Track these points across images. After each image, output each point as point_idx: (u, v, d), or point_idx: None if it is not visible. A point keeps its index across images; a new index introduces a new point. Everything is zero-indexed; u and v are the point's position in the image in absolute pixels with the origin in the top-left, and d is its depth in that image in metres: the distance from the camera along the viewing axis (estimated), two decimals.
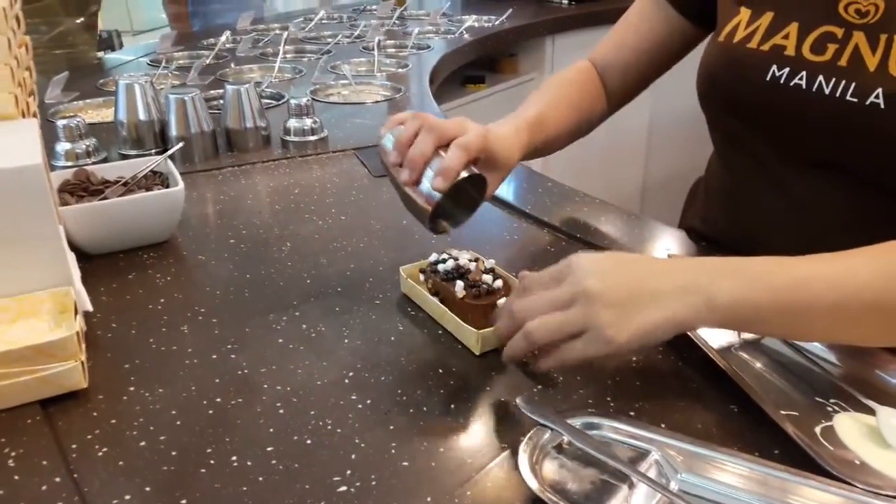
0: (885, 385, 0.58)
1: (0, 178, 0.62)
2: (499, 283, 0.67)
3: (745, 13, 0.80)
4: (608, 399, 0.58)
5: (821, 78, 0.72)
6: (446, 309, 0.68)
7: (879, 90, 0.68)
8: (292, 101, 1.18)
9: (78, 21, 1.92)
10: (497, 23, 2.38)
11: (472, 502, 0.48)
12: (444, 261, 0.71)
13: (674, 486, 0.48)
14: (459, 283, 0.67)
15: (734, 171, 0.86)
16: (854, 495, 0.45)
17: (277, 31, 2.11)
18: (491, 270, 0.70)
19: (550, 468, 0.49)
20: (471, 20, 2.30)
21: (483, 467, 0.52)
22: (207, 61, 1.75)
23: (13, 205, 0.63)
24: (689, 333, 0.62)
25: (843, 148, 0.72)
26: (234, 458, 0.53)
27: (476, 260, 0.72)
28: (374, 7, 2.61)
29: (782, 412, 0.53)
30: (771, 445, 0.52)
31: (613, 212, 0.96)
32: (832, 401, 0.56)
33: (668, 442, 0.50)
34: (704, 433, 0.54)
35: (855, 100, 0.70)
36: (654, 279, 0.55)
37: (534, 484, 0.46)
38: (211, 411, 0.58)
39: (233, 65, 1.75)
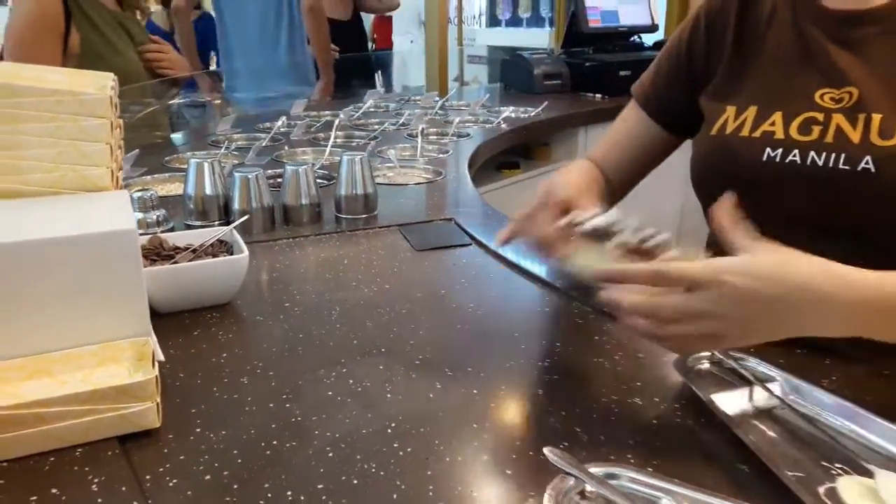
0: (886, 452, 0.62)
1: (99, 240, 0.72)
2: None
3: (731, 110, 0.91)
4: (628, 455, 0.63)
5: (812, 153, 0.82)
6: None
7: (868, 157, 0.77)
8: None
9: (159, 103, 2.11)
10: (533, 114, 2.52)
11: None
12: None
13: None
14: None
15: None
16: None
17: (329, 118, 2.27)
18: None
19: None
20: (508, 111, 2.44)
21: (497, 486, 0.57)
22: (265, 143, 1.90)
23: (108, 263, 0.73)
24: (705, 401, 0.68)
25: (841, 212, 0.80)
26: (288, 492, 0.59)
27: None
28: (418, 98, 2.78)
29: (789, 473, 0.58)
30: (777, 502, 0.57)
31: None
32: (837, 465, 0.61)
33: (680, 492, 0.55)
34: (715, 488, 0.58)
35: (847, 167, 0.79)
36: (789, 325, 0.61)
37: None
38: (268, 452, 0.65)
39: (287, 147, 1.90)
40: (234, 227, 1.03)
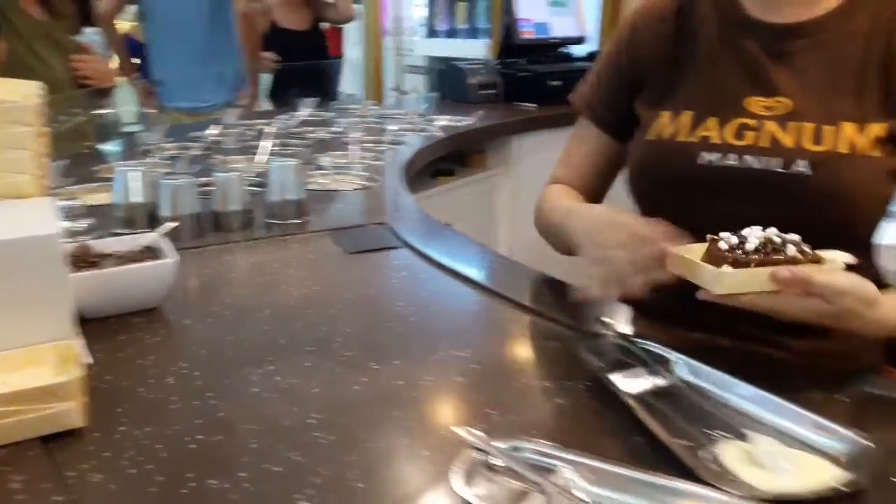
0: (766, 420, 0.69)
1: (23, 245, 0.73)
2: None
3: (666, 115, 0.95)
4: (534, 432, 0.67)
5: (747, 157, 0.87)
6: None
7: (803, 161, 0.84)
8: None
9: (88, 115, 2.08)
10: (468, 123, 2.58)
11: (423, 496, 0.58)
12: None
13: (584, 496, 0.57)
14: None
15: None
16: (724, 498, 0.55)
17: (263, 126, 2.27)
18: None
19: (481, 483, 0.59)
20: (443, 120, 2.50)
21: (427, 484, 0.61)
22: (196, 152, 1.90)
23: (32, 268, 0.74)
24: (606, 382, 0.73)
25: (775, 214, 0.84)
26: (211, 481, 0.61)
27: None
28: (355, 107, 2.81)
29: (676, 441, 0.64)
30: (667, 467, 0.62)
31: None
32: (719, 432, 0.67)
33: (579, 460, 0.59)
34: (613, 458, 0.63)
35: (783, 171, 0.85)
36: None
37: (466, 494, 0.55)
38: (192, 446, 0.67)
39: (219, 156, 1.90)
40: (164, 235, 1.04)
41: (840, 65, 0.88)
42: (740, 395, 0.71)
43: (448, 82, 3.28)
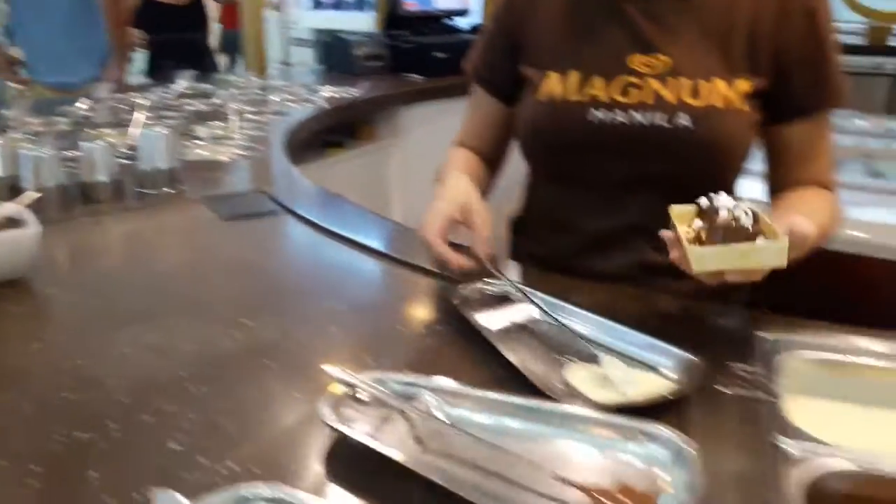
0: (613, 346, 0.76)
1: None
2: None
3: (553, 75, 0.98)
4: (404, 369, 0.71)
5: (633, 113, 0.92)
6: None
7: (685, 115, 0.90)
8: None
9: None
10: (353, 94, 2.57)
11: (292, 442, 0.60)
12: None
13: (443, 416, 0.62)
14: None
15: (564, 204, 1.02)
16: (567, 409, 0.61)
17: (138, 100, 2.18)
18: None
19: (349, 413, 0.62)
20: (328, 90, 2.48)
21: (298, 420, 0.64)
22: (65, 127, 1.80)
23: None
24: (471, 321, 0.78)
25: (661, 165, 0.92)
26: (78, 433, 0.62)
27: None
28: (236, 79, 2.74)
29: (532, 368, 0.69)
30: (523, 390, 0.67)
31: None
32: (569, 357, 0.73)
33: (441, 387, 0.64)
34: (478, 386, 0.68)
35: (668, 125, 0.91)
36: None
37: (333, 422, 0.59)
38: (58, 403, 0.66)
39: (90, 130, 1.81)
40: (26, 206, 1.00)
41: (709, 24, 0.94)
42: (590, 325, 0.78)
43: (334, 55, 3.25)
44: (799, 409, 0.71)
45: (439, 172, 1.10)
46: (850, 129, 2.69)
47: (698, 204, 0.78)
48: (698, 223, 0.76)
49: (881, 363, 0.73)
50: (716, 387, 0.68)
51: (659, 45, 0.94)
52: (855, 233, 1.42)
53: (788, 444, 0.59)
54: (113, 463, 0.58)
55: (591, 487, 0.53)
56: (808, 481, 0.56)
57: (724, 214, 0.73)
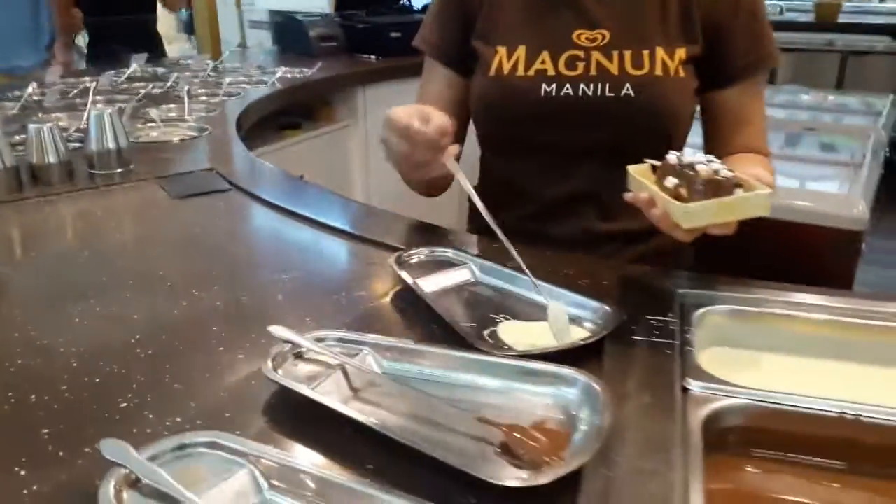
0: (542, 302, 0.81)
1: None
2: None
3: (502, 50, 1.02)
4: (344, 326, 0.76)
5: (581, 86, 0.98)
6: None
7: (628, 85, 0.95)
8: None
9: None
10: (309, 74, 2.58)
11: (236, 397, 0.64)
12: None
13: (377, 369, 0.66)
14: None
15: (516, 173, 1.07)
16: (490, 359, 0.66)
17: (88, 84, 2.17)
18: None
19: (288, 366, 0.66)
20: (281, 71, 2.49)
21: (240, 376, 0.67)
22: (14, 112, 1.79)
23: None
24: (411, 284, 0.82)
25: (612, 131, 0.97)
26: (32, 396, 0.65)
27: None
28: (189, 61, 2.72)
29: (463, 325, 0.74)
30: (454, 343, 0.72)
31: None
32: (503, 316, 0.78)
33: (377, 342, 0.69)
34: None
35: (613, 95, 0.96)
36: None
37: (272, 375, 0.63)
38: (12, 369, 0.69)
39: (40, 114, 1.81)
40: None
41: None
42: (522, 285, 0.83)
43: (288, 36, 3.24)
44: (713, 357, 0.77)
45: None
46: (800, 104, 2.80)
47: (651, 163, 0.82)
48: (673, 180, 0.77)
49: (794, 313, 0.80)
50: (633, 337, 0.73)
51: (601, 20, 0.99)
52: (804, 203, 1.52)
53: (692, 385, 0.65)
54: (64, 421, 0.62)
55: (508, 425, 0.59)
56: (706, 415, 0.61)
57: (704, 168, 0.74)
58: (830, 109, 2.76)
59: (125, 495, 0.50)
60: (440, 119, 0.86)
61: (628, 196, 0.83)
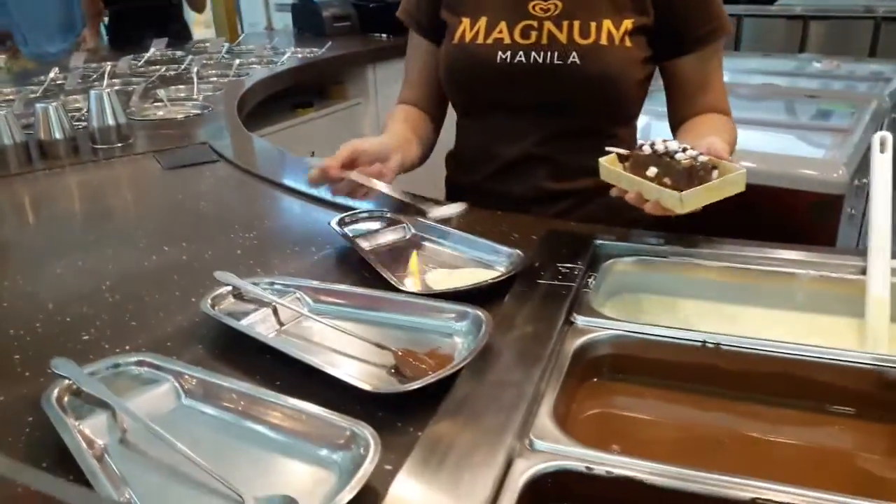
0: (468, 252, 0.90)
1: None
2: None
3: (465, 21, 1.11)
4: (288, 275, 0.85)
5: (533, 53, 1.06)
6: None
7: (574, 53, 1.03)
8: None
9: None
10: (319, 53, 2.68)
11: (181, 332, 0.75)
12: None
13: (306, 309, 0.76)
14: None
15: (479, 134, 1.16)
16: (404, 297, 0.75)
17: (109, 68, 2.31)
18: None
19: (227, 305, 0.77)
20: (290, 52, 2.59)
21: (186, 314, 0.78)
22: (36, 95, 1.94)
23: None
24: (349, 237, 0.91)
25: (560, 96, 1.06)
26: (10, 331, 0.76)
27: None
28: (206, 44, 2.85)
29: (390, 273, 0.83)
30: (380, 286, 0.81)
31: None
32: (432, 266, 0.87)
33: (307, 286, 0.78)
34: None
35: (560, 62, 1.04)
36: None
37: (209, 310, 0.73)
38: (5, 304, 0.81)
39: (62, 97, 1.95)
40: None
41: None
42: (452, 238, 0.92)
43: (304, 17, 3.34)
44: (616, 301, 0.85)
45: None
46: (810, 71, 2.79)
47: (618, 151, 0.87)
48: (654, 170, 0.82)
49: (692, 260, 0.86)
50: (538, 281, 0.81)
51: None
52: (789, 168, 1.57)
53: (578, 319, 0.73)
54: (34, 349, 0.73)
55: (401, 350, 0.68)
56: (580, 343, 0.69)
57: (683, 157, 0.80)
58: (841, 77, 2.74)
59: (66, 400, 0.60)
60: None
61: (614, 192, 0.88)
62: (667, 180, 0.81)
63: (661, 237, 0.92)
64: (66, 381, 0.62)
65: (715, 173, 0.81)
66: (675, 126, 1.15)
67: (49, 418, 0.58)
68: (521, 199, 1.12)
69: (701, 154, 0.81)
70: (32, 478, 0.51)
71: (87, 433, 0.58)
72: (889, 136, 0.86)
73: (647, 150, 0.84)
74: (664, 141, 0.83)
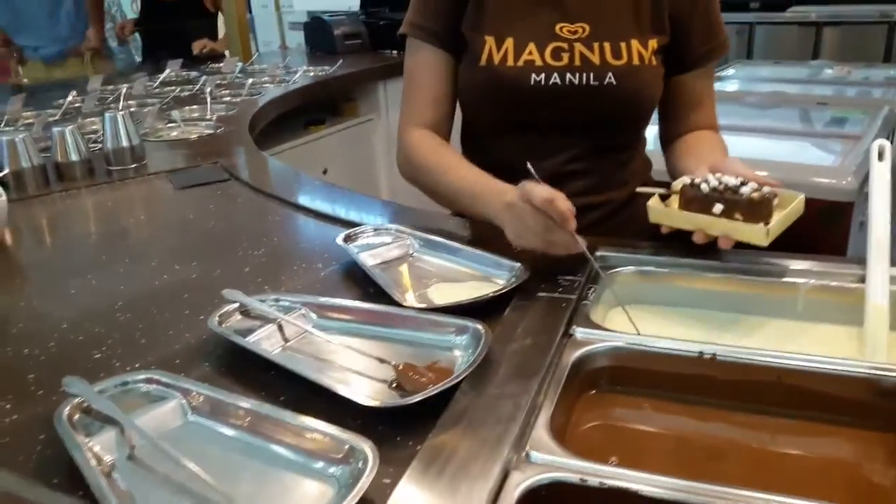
0: (468, 266, 0.91)
1: None
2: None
3: (490, 40, 1.08)
4: (296, 291, 0.87)
5: (568, 75, 1.06)
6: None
7: (610, 74, 1.05)
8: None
9: None
10: (331, 71, 2.72)
11: (189, 349, 0.76)
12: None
13: (310, 325, 0.78)
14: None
15: (504, 153, 1.11)
16: (405, 312, 0.76)
17: (125, 90, 2.36)
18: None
19: (233, 322, 0.78)
20: (302, 70, 2.63)
21: (196, 332, 0.80)
22: (56, 118, 1.99)
23: None
24: (350, 254, 0.93)
25: (594, 116, 1.07)
26: (25, 350, 0.79)
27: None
28: (220, 64, 2.90)
29: (394, 287, 0.85)
30: (384, 301, 0.83)
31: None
32: (435, 280, 0.88)
33: (311, 302, 0.80)
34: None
35: (597, 83, 1.05)
36: None
37: (216, 328, 0.75)
38: (14, 331, 0.84)
39: (80, 120, 1.99)
40: (4, 186, 1.17)
41: None
42: (456, 253, 0.94)
43: (316, 35, 3.39)
44: (615, 312, 0.86)
45: (415, 168, 1.13)
46: (823, 78, 2.77)
47: (659, 192, 0.89)
48: (719, 206, 0.82)
49: (692, 272, 0.87)
50: (539, 294, 0.82)
51: (580, 15, 1.07)
52: (798, 176, 1.56)
53: (577, 331, 0.74)
54: (48, 368, 0.75)
55: (402, 364, 0.69)
56: (578, 355, 0.70)
57: (747, 190, 0.82)
58: (854, 83, 2.72)
59: (76, 417, 0.62)
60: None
61: (664, 230, 0.89)
62: (738, 216, 0.82)
63: (659, 247, 0.92)
64: (77, 399, 0.64)
65: (776, 200, 0.84)
66: (668, 141, 1.17)
67: (60, 436, 0.60)
68: None
69: (764, 186, 0.83)
70: (42, 495, 0.53)
71: (96, 450, 0.59)
72: (887, 144, 0.87)
73: (704, 188, 0.84)
74: (717, 176, 0.85)
